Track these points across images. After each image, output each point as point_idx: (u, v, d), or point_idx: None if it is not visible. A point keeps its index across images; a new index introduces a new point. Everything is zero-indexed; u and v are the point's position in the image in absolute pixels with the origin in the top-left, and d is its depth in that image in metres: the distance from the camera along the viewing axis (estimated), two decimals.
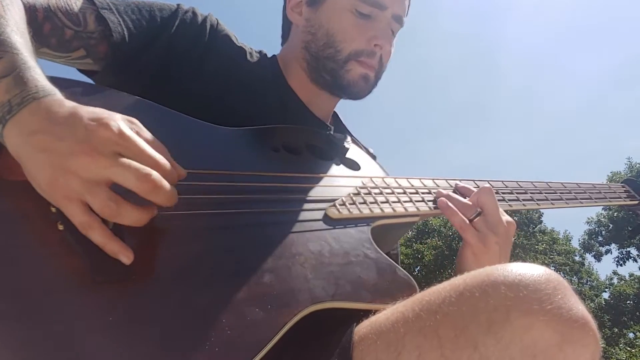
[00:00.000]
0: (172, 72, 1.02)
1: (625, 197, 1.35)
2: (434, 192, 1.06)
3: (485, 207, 0.96)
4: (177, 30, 1.03)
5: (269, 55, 1.21)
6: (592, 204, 1.22)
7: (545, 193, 1.22)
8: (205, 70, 1.05)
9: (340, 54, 1.08)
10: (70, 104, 0.64)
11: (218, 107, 0.99)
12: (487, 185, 0.99)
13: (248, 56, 1.13)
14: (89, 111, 0.64)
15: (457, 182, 1.12)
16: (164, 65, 1.01)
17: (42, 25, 0.87)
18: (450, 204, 0.98)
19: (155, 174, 0.63)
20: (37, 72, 0.67)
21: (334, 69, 1.10)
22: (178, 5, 1.07)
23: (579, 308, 0.62)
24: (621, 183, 1.43)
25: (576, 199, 1.21)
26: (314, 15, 1.12)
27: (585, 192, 1.25)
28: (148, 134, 0.68)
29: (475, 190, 1.00)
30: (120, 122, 0.64)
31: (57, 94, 0.65)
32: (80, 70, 1.00)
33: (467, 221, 0.95)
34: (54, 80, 0.68)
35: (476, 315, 0.61)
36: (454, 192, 1.05)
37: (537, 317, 0.59)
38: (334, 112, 1.28)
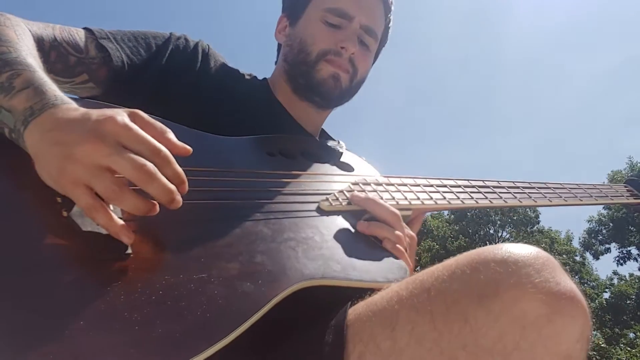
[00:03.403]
0: (167, 95, 1.07)
1: (628, 196, 1.32)
2: (427, 189, 1.09)
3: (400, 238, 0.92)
4: (170, 56, 1.10)
5: (260, 77, 1.28)
6: (593, 202, 1.19)
7: (544, 192, 1.21)
8: (198, 94, 1.10)
9: (310, 56, 1.16)
10: (84, 109, 0.71)
11: (212, 127, 1.01)
12: (395, 211, 0.93)
13: (239, 78, 1.21)
14: (99, 110, 0.70)
15: (448, 180, 1.13)
16: (158, 88, 1.07)
17: (48, 54, 0.95)
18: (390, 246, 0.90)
19: (150, 165, 0.66)
20: (54, 86, 0.75)
21: (307, 70, 1.17)
22: (170, 33, 1.15)
23: (567, 282, 0.63)
24: (624, 183, 1.42)
25: (576, 197, 1.19)
26: (292, 31, 1.22)
27: (586, 192, 1.22)
28: (151, 120, 0.73)
29: (382, 207, 0.93)
30: (124, 115, 0.69)
31: (73, 103, 0.73)
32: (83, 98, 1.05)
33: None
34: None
35: (467, 290, 0.63)
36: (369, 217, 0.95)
37: (526, 290, 0.61)
38: (322, 129, 1.34)
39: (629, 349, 20.07)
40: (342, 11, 1.15)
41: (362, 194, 0.96)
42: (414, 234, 0.99)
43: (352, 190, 0.98)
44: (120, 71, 1.02)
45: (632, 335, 22.35)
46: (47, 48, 0.94)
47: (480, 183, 1.15)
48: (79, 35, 1.01)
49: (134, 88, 1.04)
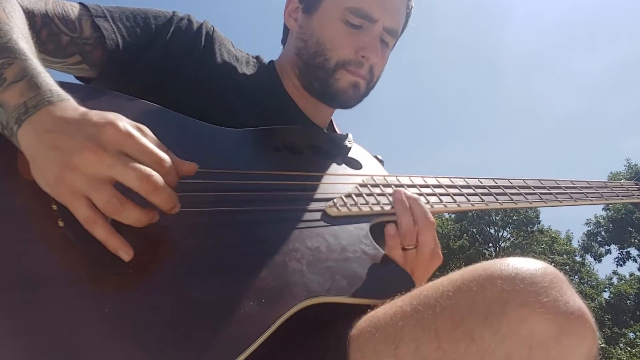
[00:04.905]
0: (168, 80, 1.01)
1: (639, 195, 1.31)
2: (437, 190, 1.06)
3: (422, 243, 0.92)
4: (172, 38, 1.03)
5: (266, 60, 1.21)
6: (604, 201, 1.19)
7: (555, 191, 1.19)
8: (201, 79, 1.04)
9: (328, 62, 1.09)
10: (82, 109, 0.67)
11: (215, 115, 0.97)
12: (432, 220, 0.93)
13: (245, 63, 1.14)
14: (99, 113, 0.66)
15: (458, 179, 1.11)
16: (159, 72, 1.01)
17: (39, 31, 0.88)
18: (392, 232, 0.91)
19: (156, 175, 0.64)
20: (48, 78, 0.70)
21: (324, 77, 1.10)
22: (174, 12, 1.07)
23: (576, 300, 0.62)
24: (634, 181, 1.40)
25: (587, 197, 1.18)
26: (307, 23, 1.13)
27: (597, 191, 1.21)
28: (154, 138, 0.70)
29: (422, 208, 0.93)
30: (127, 123, 0.66)
31: (70, 99, 0.68)
32: (77, 77, 1.01)
33: (402, 252, 0.91)
34: (61, 85, 0.71)
35: (473, 308, 0.62)
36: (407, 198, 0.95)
37: (534, 309, 0.59)
38: (330, 121, 1.28)
39: (629, 348, 20.06)
40: (364, 13, 1.07)
41: (402, 198, 0.92)
42: (440, 255, 0.95)
43: (360, 194, 0.94)
44: (114, 54, 0.96)
45: (631, 335, 22.33)
46: (38, 25, 0.88)
47: (492, 183, 1.13)
48: (74, 12, 0.94)
49: (130, 73, 0.98)
